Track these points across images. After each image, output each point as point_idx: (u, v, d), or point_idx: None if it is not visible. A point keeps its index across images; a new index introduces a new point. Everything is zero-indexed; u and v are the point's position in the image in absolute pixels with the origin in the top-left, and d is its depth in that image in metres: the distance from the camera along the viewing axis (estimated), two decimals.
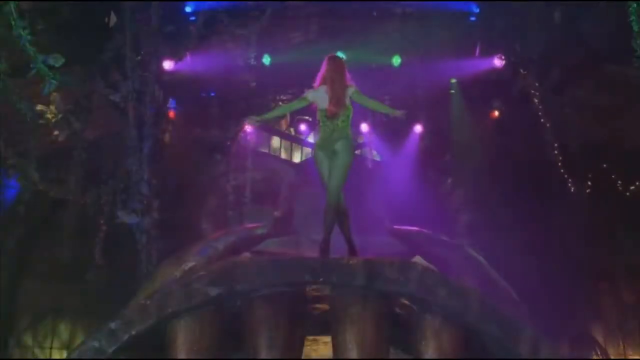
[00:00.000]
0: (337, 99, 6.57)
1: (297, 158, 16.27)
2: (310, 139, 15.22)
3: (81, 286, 12.36)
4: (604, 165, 12.76)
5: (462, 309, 5.78)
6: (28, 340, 13.13)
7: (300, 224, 14.39)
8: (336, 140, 6.58)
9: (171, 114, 12.59)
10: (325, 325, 6.15)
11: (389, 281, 5.87)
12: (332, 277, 5.93)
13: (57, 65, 7.19)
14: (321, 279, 5.96)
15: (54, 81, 7.00)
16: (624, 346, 12.64)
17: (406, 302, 6.15)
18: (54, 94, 9.20)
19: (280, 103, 12.73)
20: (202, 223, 13.09)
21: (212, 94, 12.63)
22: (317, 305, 6.43)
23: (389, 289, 5.90)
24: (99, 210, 11.74)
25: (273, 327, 5.91)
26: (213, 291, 5.89)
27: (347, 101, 6.65)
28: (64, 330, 13.45)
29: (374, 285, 5.87)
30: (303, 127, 14.58)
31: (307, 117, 14.13)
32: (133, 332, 5.78)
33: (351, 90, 6.65)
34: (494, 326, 5.75)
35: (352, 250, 6.45)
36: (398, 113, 6.59)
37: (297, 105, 7.01)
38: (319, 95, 6.68)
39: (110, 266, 11.95)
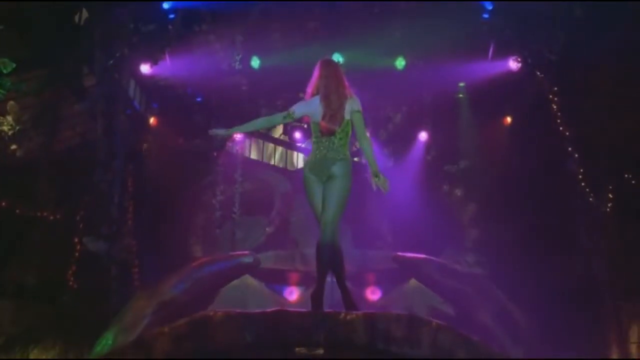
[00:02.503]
0: (331, 114, 5.40)
1: (291, 165, 15.27)
2: (307, 145, 14.18)
3: (55, 309, 11.38)
4: (627, 176, 11.65)
5: None
6: None
7: (295, 236, 13.45)
8: (332, 161, 5.41)
9: (153, 121, 11.46)
10: None
11: (395, 341, 4.83)
12: (326, 335, 4.82)
13: (5, 72, 6.12)
14: (313, 338, 4.84)
15: (1, 90, 5.92)
16: None
17: None
18: (11, 102, 8.09)
19: (274, 110, 11.69)
20: (189, 240, 12.06)
21: (198, 100, 11.51)
22: None
23: (396, 350, 4.82)
24: (73, 228, 10.72)
25: None
26: (178, 352, 4.78)
27: (347, 114, 5.47)
28: (37, 356, 12.47)
29: (376, 346, 4.84)
30: (297, 134, 13.51)
31: (303, 124, 13.04)
32: None
33: (353, 105, 5.45)
34: None
35: (350, 302, 5.29)
36: (382, 182, 5.21)
37: (280, 120, 5.75)
38: (312, 108, 5.51)
39: (85, 287, 10.96)
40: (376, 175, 5.29)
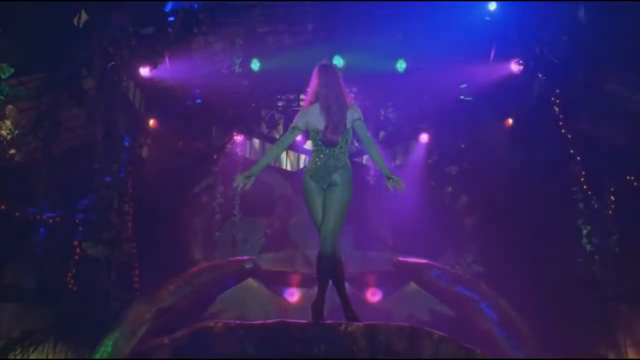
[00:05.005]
0: (334, 126, 5.34)
1: (292, 166, 15.18)
2: (307, 146, 14.09)
3: (54, 312, 11.32)
4: (630, 178, 11.57)
5: None
6: None
7: (295, 238, 13.37)
8: (333, 169, 5.36)
9: (153, 124, 11.38)
10: None
11: (397, 353, 4.79)
12: (326, 347, 4.77)
13: (4, 77, 6.06)
14: (314, 350, 4.80)
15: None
16: None
17: None
18: (10, 106, 8.03)
19: (274, 112, 11.64)
20: (189, 243, 11.98)
21: (198, 102, 11.42)
22: None
23: None
24: (73, 230, 10.66)
25: None
26: None
27: (348, 124, 5.40)
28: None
29: (377, 358, 4.77)
30: (299, 136, 13.41)
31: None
32: None
33: (354, 114, 5.40)
34: None
35: (351, 313, 5.24)
36: (397, 182, 5.13)
37: (290, 138, 5.57)
38: (312, 117, 5.40)
39: (85, 290, 10.89)
40: (389, 177, 5.22)
